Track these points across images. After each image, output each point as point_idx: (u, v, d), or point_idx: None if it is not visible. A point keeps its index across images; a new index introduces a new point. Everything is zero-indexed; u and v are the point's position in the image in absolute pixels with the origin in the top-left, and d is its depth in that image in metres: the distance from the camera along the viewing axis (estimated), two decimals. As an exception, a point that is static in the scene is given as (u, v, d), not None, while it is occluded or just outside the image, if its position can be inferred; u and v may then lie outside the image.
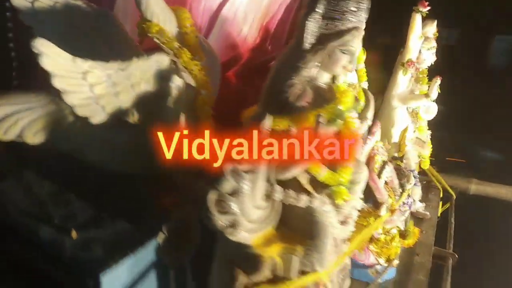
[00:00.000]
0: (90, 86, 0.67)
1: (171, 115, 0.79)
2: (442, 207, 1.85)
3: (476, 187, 2.04)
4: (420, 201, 1.63)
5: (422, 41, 1.44)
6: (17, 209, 0.84)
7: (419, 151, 1.54)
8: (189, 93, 0.82)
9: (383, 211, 1.13)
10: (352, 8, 0.76)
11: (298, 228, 0.78)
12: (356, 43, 0.79)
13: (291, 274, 0.79)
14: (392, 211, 1.16)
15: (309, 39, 0.77)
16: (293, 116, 0.76)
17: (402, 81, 1.40)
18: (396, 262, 1.19)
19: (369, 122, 0.99)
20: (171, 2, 0.99)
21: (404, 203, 1.33)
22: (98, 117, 0.71)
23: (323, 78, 0.83)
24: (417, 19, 1.37)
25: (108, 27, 0.83)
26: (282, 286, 0.77)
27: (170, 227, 0.81)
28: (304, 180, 0.80)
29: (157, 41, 0.78)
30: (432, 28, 1.47)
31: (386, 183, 1.20)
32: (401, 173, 1.33)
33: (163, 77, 0.78)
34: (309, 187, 0.79)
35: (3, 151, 0.92)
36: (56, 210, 0.84)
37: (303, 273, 0.81)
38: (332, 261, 0.85)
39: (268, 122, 0.73)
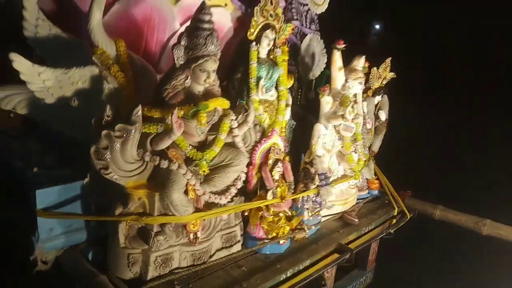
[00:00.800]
0: (43, 81, 1.18)
1: (100, 104, 1.27)
2: (393, 224, 2.08)
3: (440, 213, 2.20)
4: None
5: (347, 72, 1.76)
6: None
7: (344, 164, 1.83)
8: (113, 91, 1.30)
9: (269, 196, 1.47)
10: (201, 42, 1.18)
11: (162, 182, 1.19)
12: (208, 65, 1.21)
13: (154, 212, 1.21)
14: (282, 198, 1.49)
15: (179, 61, 1.21)
16: (165, 108, 1.20)
17: (324, 103, 1.73)
18: (283, 241, 1.51)
19: (250, 125, 1.38)
20: (132, 33, 1.49)
21: (313, 201, 1.65)
22: (48, 100, 1.21)
23: (196, 88, 1.26)
24: (336, 54, 1.70)
25: (79, 50, 1.36)
26: (146, 219, 1.19)
27: (92, 174, 1.27)
28: (171, 153, 1.21)
29: (95, 59, 1.27)
30: (360, 62, 1.79)
31: (283, 176, 1.54)
32: (307, 175, 1.66)
33: (94, 80, 1.27)
34: (170, 155, 1.20)
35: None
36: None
37: (165, 214, 1.22)
38: (192, 213, 1.24)
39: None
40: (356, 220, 1.85)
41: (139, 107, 1.13)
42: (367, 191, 2.19)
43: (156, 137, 1.19)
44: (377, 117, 2.18)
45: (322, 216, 1.77)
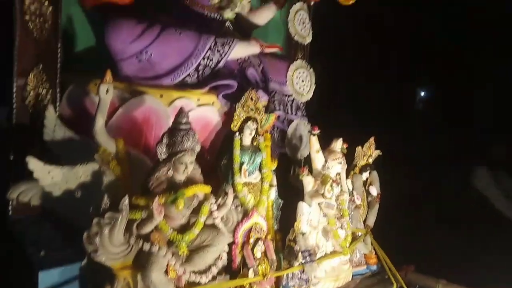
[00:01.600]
0: (51, 177, 1.43)
1: (99, 194, 1.50)
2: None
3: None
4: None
5: (327, 153, 1.94)
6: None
7: (332, 240, 1.92)
8: (111, 182, 1.53)
9: (251, 274, 1.58)
10: (179, 139, 1.42)
11: (144, 263, 1.36)
12: (185, 158, 1.43)
13: (137, 290, 1.36)
14: (263, 275, 1.60)
15: (161, 156, 1.44)
16: (149, 196, 1.40)
17: (306, 183, 1.89)
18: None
19: (228, 207, 1.55)
20: (134, 131, 1.76)
21: (299, 278, 1.74)
22: (56, 192, 1.45)
23: (177, 177, 1.47)
24: (312, 139, 1.90)
25: (87, 148, 1.63)
26: (130, 298, 1.33)
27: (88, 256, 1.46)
28: (153, 236, 1.39)
29: (96, 157, 1.53)
30: (337, 144, 1.96)
31: (265, 254, 1.66)
32: (291, 252, 1.76)
33: (95, 174, 1.51)
34: (153, 239, 1.37)
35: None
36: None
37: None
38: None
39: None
40: (340, 296, 1.90)
41: (126, 197, 1.34)
42: (365, 267, 2.23)
43: (141, 223, 1.38)
44: (368, 192, 2.30)
45: (313, 293, 1.84)
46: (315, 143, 1.91)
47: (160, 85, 1.78)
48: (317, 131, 1.90)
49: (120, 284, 1.35)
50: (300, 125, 2.25)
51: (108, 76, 1.54)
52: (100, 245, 1.31)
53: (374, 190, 2.29)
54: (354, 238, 2.14)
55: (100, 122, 1.55)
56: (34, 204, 1.51)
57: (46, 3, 1.67)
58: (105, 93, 1.54)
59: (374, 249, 2.24)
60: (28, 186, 1.48)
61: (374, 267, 2.23)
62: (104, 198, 1.40)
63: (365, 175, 2.26)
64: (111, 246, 1.33)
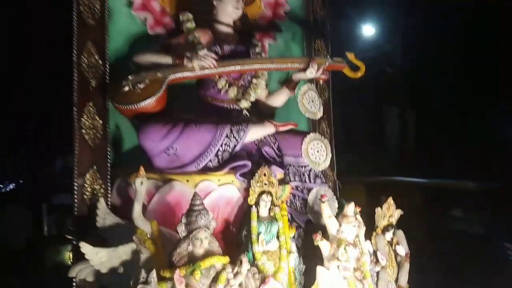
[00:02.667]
0: (99, 258, 1.78)
1: (137, 269, 1.81)
2: None
3: None
4: None
5: (341, 217, 2.09)
6: None
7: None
8: (147, 258, 1.84)
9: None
10: (194, 219, 1.71)
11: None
12: (200, 234, 1.70)
13: None
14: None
15: (181, 234, 1.73)
16: (174, 268, 1.67)
17: (322, 248, 2.04)
18: None
19: (243, 274, 1.77)
20: (167, 213, 2.09)
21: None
22: (103, 270, 1.80)
23: (197, 251, 1.74)
24: (322, 206, 2.08)
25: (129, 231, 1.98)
26: None
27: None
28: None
29: (134, 238, 1.86)
30: (349, 209, 2.12)
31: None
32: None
33: (134, 252, 1.84)
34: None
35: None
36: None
37: None
38: None
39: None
40: None
41: (153, 271, 1.64)
42: (398, 330, 2.23)
43: (168, 292, 1.66)
44: (396, 252, 2.36)
45: None
46: (326, 209, 2.09)
47: (186, 172, 2.14)
48: (325, 199, 2.09)
49: None
50: (320, 191, 2.44)
51: (141, 171, 1.93)
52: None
53: (402, 250, 2.35)
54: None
55: (137, 208, 1.91)
56: (89, 281, 1.86)
57: (97, 117, 2.16)
58: (140, 184, 1.92)
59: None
60: (83, 266, 1.85)
61: (409, 330, 2.23)
62: (142, 272, 1.70)
63: (388, 235, 2.33)
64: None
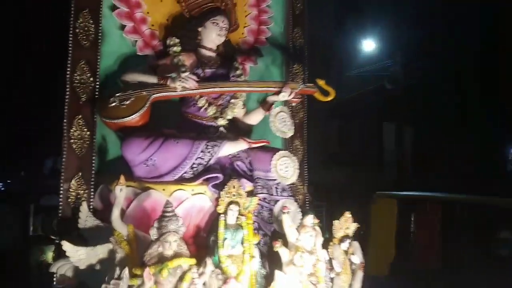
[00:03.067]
0: (79, 255, 2.00)
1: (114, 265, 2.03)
2: None
3: None
4: None
5: (299, 227, 2.34)
6: None
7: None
8: (122, 258, 2.06)
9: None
10: (164, 224, 1.94)
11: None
12: (169, 238, 1.93)
13: None
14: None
15: (153, 237, 1.96)
16: (145, 266, 1.89)
17: (281, 254, 2.28)
18: None
19: (207, 275, 1.99)
20: (144, 217, 2.31)
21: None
22: (81, 266, 2.01)
23: (166, 252, 1.96)
24: (284, 217, 2.32)
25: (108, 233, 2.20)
26: None
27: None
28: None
29: (111, 239, 2.08)
30: (308, 219, 2.36)
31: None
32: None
33: (110, 252, 2.06)
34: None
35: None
36: None
37: None
38: None
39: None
40: None
41: (126, 268, 1.86)
42: (351, 332, 2.46)
43: (138, 287, 1.87)
44: (351, 261, 2.60)
45: None
46: (286, 220, 2.33)
47: (163, 182, 2.37)
48: (287, 210, 2.34)
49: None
50: (284, 204, 2.68)
51: (122, 179, 2.16)
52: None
53: (357, 259, 2.59)
54: (339, 303, 2.43)
55: (115, 212, 2.14)
56: (68, 276, 2.07)
57: (85, 129, 2.40)
58: (119, 191, 2.15)
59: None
60: (64, 262, 2.06)
61: (361, 333, 2.45)
62: (116, 270, 1.92)
63: (344, 245, 2.57)
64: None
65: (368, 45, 7.25)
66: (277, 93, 2.74)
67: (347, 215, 2.63)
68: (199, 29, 2.76)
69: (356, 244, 2.64)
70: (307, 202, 3.20)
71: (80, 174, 2.35)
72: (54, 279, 2.17)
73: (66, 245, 1.99)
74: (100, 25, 2.51)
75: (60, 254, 2.07)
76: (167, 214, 2.00)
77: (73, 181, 2.33)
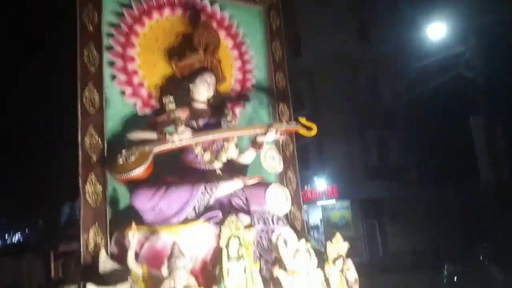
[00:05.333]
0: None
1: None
2: None
3: None
4: None
5: (293, 252, 2.61)
6: None
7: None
8: (139, 295, 2.35)
9: None
10: (173, 261, 2.24)
11: None
12: (179, 273, 2.22)
13: None
14: None
15: (165, 274, 2.26)
16: None
17: (281, 276, 2.54)
18: None
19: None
20: (156, 256, 2.61)
21: None
22: None
23: (178, 286, 2.25)
24: (278, 244, 2.61)
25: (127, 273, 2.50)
26: None
27: None
28: None
29: (129, 278, 2.38)
30: (301, 244, 2.64)
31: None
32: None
33: (129, 291, 2.35)
34: None
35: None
36: None
37: None
38: None
39: None
40: None
41: (144, 303, 2.15)
42: None
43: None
44: (346, 279, 2.85)
45: None
46: (282, 246, 2.62)
47: (170, 224, 2.69)
48: (281, 238, 2.63)
49: None
50: (284, 234, 2.97)
51: (133, 225, 2.48)
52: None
53: (351, 275, 2.84)
54: (340, 319, 2.67)
55: (130, 255, 2.45)
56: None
57: (98, 184, 2.75)
58: (132, 236, 2.47)
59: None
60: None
61: None
62: (135, 306, 2.20)
63: (339, 264, 2.84)
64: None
65: (439, 31, 6.61)
66: (265, 134, 3.09)
67: (338, 236, 2.91)
68: (190, 86, 3.16)
69: (349, 261, 2.90)
70: (306, 228, 3.49)
71: (97, 224, 2.68)
72: (80, 319, 2.44)
73: (91, 287, 2.28)
74: (104, 94, 2.91)
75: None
76: (174, 253, 2.30)
77: (90, 231, 2.65)
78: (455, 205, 13.12)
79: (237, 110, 3.59)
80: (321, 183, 16.30)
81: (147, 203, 2.65)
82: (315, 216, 16.94)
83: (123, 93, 3.06)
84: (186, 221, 2.73)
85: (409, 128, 13.30)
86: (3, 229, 20.95)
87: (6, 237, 21.21)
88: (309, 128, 3.24)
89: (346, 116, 15.40)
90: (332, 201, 16.22)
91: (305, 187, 16.58)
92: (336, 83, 15.59)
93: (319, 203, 16.57)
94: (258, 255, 2.89)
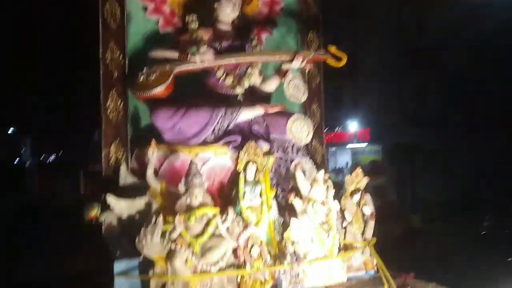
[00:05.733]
0: (120, 207, 2.36)
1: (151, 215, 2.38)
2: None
3: None
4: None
5: (312, 181, 2.60)
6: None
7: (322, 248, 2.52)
8: (157, 208, 2.41)
9: (247, 267, 2.28)
10: (190, 179, 2.26)
11: (171, 256, 2.16)
12: (195, 191, 2.25)
13: (168, 273, 2.16)
14: (257, 269, 2.28)
15: (182, 191, 2.30)
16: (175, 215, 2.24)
17: (296, 205, 2.55)
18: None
19: (229, 222, 2.31)
20: (174, 175, 2.65)
21: (290, 274, 2.37)
22: (124, 216, 2.38)
23: (193, 203, 2.29)
24: (296, 172, 2.59)
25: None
26: (163, 277, 2.14)
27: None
28: (178, 240, 2.20)
29: (148, 193, 2.44)
30: (319, 175, 2.61)
31: (260, 255, 2.34)
32: (281, 254, 2.41)
33: (147, 204, 2.42)
34: (178, 241, 2.18)
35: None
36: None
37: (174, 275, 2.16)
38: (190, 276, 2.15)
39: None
40: (339, 292, 2.45)
41: (160, 215, 2.20)
42: (364, 271, 2.74)
43: (170, 231, 2.22)
44: (363, 212, 2.84)
45: (307, 288, 2.44)
46: (299, 175, 2.60)
47: (189, 145, 2.69)
48: (299, 166, 2.60)
49: (158, 269, 2.18)
50: (302, 163, 2.94)
51: (153, 143, 2.49)
52: (145, 245, 2.17)
53: (368, 210, 2.83)
54: (351, 248, 2.71)
55: (149, 172, 2.49)
56: (113, 224, 2.46)
57: (119, 101, 2.74)
58: (152, 153, 2.49)
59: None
60: (109, 213, 2.45)
61: (372, 272, 2.73)
62: (153, 218, 2.26)
63: (356, 197, 2.82)
64: (152, 246, 2.18)
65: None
66: (290, 61, 2.95)
67: (358, 170, 2.86)
68: (215, 5, 2.99)
69: (368, 196, 2.87)
70: (326, 161, 3.45)
71: (118, 139, 2.71)
72: (103, 227, 2.56)
73: (110, 198, 2.36)
74: (126, 8, 2.79)
75: (106, 207, 2.44)
76: (192, 172, 2.32)
77: (112, 147, 2.70)
78: (494, 157, 12.04)
79: (263, 36, 3.41)
80: (353, 125, 15.62)
81: (167, 121, 2.64)
82: (343, 159, 16.66)
83: (145, 8, 2.93)
84: (205, 143, 2.72)
85: (454, 74, 12.24)
86: (40, 149, 22.26)
87: (42, 157, 22.54)
88: (338, 58, 3.05)
89: (386, 55, 14.04)
90: (363, 144, 15.57)
91: (336, 129, 16.15)
92: (379, 18, 14.03)
93: (349, 145, 16.05)
94: (275, 182, 2.90)
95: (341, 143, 15.99)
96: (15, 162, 18.41)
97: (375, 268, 2.73)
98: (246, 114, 2.83)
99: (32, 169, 15.40)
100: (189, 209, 2.28)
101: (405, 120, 13.91)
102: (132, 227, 2.38)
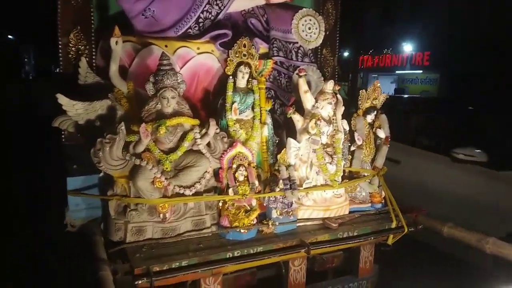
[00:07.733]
0: (76, 110, 1.88)
1: (114, 122, 1.92)
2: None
3: (448, 230, 2.21)
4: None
5: (318, 94, 2.07)
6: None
7: (323, 174, 2.08)
8: (122, 114, 1.93)
9: (230, 192, 1.86)
10: (160, 78, 1.74)
11: (135, 173, 1.74)
12: (166, 93, 1.74)
13: (131, 195, 1.75)
14: (242, 195, 1.87)
15: (150, 92, 1.78)
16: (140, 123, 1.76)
17: (295, 121, 2.06)
18: (243, 230, 1.86)
19: (210, 136, 1.84)
20: (146, 74, 2.13)
21: (282, 202, 1.96)
22: (80, 122, 1.91)
23: (165, 110, 1.80)
24: (300, 81, 2.04)
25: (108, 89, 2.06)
26: (124, 199, 1.74)
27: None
28: (144, 154, 1.76)
29: (110, 95, 1.93)
30: (328, 85, 2.07)
31: (247, 178, 1.91)
32: (273, 179, 1.98)
33: (109, 108, 1.93)
34: (144, 156, 1.74)
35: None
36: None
37: (138, 197, 1.75)
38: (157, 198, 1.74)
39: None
40: (334, 225, 2.06)
41: (122, 123, 1.73)
42: (369, 204, 2.34)
43: (135, 144, 1.76)
44: (376, 135, 2.36)
45: (300, 219, 2.05)
46: (303, 84, 2.06)
47: (165, 37, 2.11)
48: (303, 73, 2.04)
49: (118, 188, 1.77)
50: (308, 71, 2.37)
51: (116, 30, 1.92)
52: (102, 158, 1.73)
53: (382, 133, 2.34)
54: (358, 177, 2.27)
55: (113, 67, 1.96)
56: (70, 131, 2.00)
57: (81, -23, 2.10)
58: (115, 44, 1.94)
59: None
60: (64, 118, 1.97)
61: (379, 206, 2.33)
62: (117, 125, 1.79)
63: (370, 117, 2.31)
64: (111, 160, 1.74)
65: None
66: None
67: (377, 84, 2.32)
68: None
69: (383, 117, 2.37)
70: (336, 76, 2.87)
71: (79, 28, 2.13)
72: (63, 135, 2.11)
73: (62, 99, 1.86)
74: None
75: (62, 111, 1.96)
76: (163, 68, 1.78)
77: (71, 35, 2.13)
78: None
79: None
80: (407, 47, 13.37)
81: (135, 3, 2.04)
82: (387, 88, 13.95)
83: None
84: (186, 36, 2.14)
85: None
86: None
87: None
88: None
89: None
90: (417, 71, 13.45)
91: (385, 51, 13.99)
92: None
93: (398, 71, 13.90)
94: (273, 94, 2.38)
95: (387, 68, 13.95)
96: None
97: (383, 201, 2.33)
98: (243, 2, 2.21)
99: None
100: (160, 117, 1.79)
101: (473, 44, 11.15)
102: (92, 137, 1.92)
